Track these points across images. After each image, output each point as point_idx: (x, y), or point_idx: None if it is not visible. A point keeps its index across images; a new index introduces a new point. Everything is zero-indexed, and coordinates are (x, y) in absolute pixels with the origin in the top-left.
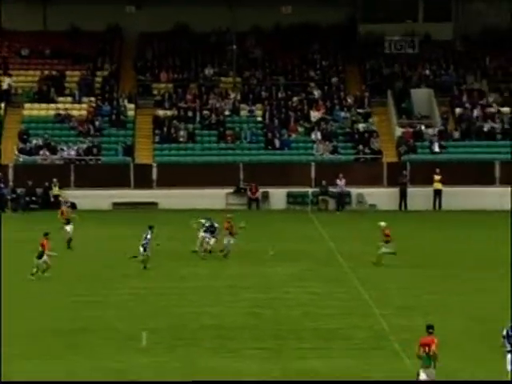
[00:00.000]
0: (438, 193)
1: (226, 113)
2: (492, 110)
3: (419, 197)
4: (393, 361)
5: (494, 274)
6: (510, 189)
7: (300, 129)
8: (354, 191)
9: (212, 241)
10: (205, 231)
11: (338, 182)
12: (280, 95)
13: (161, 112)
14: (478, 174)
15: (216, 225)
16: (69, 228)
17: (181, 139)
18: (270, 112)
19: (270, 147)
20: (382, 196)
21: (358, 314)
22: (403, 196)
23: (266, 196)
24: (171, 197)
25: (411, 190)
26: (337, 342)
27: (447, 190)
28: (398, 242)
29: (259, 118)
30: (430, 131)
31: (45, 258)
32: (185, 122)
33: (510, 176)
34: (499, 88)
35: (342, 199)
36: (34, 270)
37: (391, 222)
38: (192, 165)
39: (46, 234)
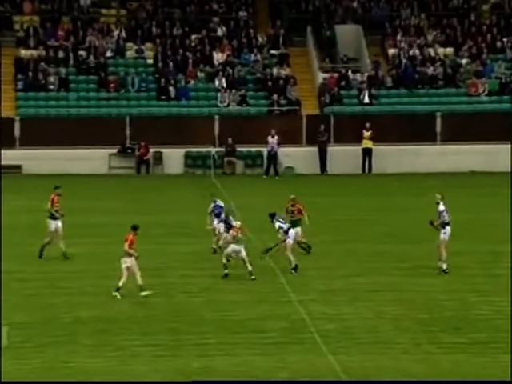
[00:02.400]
0: (367, 152)
1: (108, 54)
2: (432, 51)
3: (345, 157)
4: (313, 357)
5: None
6: (452, 147)
7: (200, 74)
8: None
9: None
10: (220, 221)
11: (270, 139)
12: (175, 32)
13: (24, 52)
14: (415, 130)
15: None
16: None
17: (51, 87)
18: (163, 53)
19: (163, 97)
20: (300, 156)
21: (272, 300)
22: (323, 157)
23: (158, 157)
24: (38, 159)
25: (335, 150)
26: (245, 336)
27: (378, 149)
28: (319, 213)
29: (150, 61)
30: (359, 77)
31: None
32: (55, 64)
33: (452, 131)
34: (440, 24)
35: (275, 161)
36: None
37: (310, 189)
38: (65, 119)
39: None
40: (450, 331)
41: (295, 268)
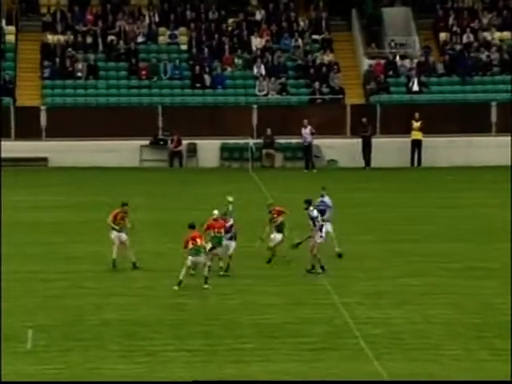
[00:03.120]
0: (416, 144)
1: (139, 39)
2: (487, 35)
3: (392, 150)
4: (358, 363)
5: (492, 246)
6: (508, 138)
7: (237, 61)
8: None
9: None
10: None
11: (303, 130)
12: (211, 16)
13: (51, 37)
14: (468, 120)
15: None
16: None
17: (78, 74)
18: (198, 39)
19: (197, 85)
20: (344, 149)
21: (312, 303)
22: (367, 151)
23: (192, 149)
24: (65, 151)
25: (382, 141)
26: (284, 341)
27: (428, 141)
28: (363, 210)
29: (183, 47)
30: (407, 64)
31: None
32: (84, 50)
33: (508, 121)
34: (496, 6)
35: (309, 153)
36: None
37: (354, 184)
38: (94, 108)
39: None
40: (504, 336)
41: (322, 267)
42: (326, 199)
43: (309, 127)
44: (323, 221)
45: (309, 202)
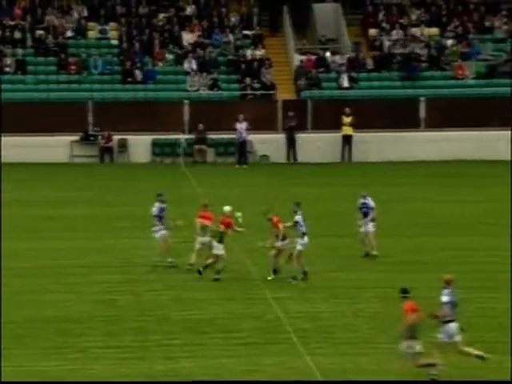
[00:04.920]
0: (347, 139)
1: (69, 34)
2: (416, 31)
3: (323, 145)
4: (289, 359)
5: (423, 240)
6: (437, 133)
7: (168, 56)
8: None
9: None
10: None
11: (238, 125)
12: (141, 11)
13: None
14: (397, 115)
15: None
16: None
17: (7, 69)
18: (129, 33)
19: (128, 80)
20: (275, 144)
21: (244, 298)
22: (291, 144)
23: (123, 145)
24: None
25: (313, 137)
26: (215, 336)
27: (359, 136)
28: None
29: (114, 42)
30: (338, 59)
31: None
32: (12, 45)
33: (437, 117)
34: (424, 2)
35: (243, 148)
36: None
37: (285, 179)
38: (22, 104)
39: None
40: (433, 329)
41: (304, 273)
42: (368, 201)
43: (244, 122)
44: (365, 221)
45: (298, 206)
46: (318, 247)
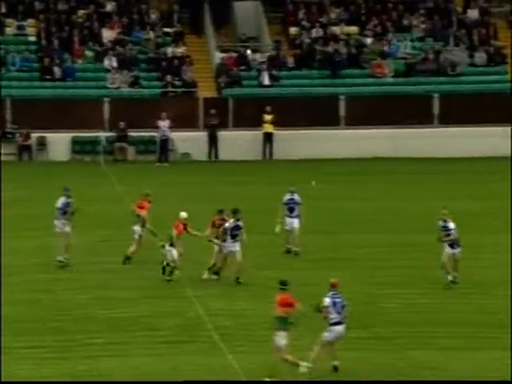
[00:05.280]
0: (268, 137)
1: None
2: (336, 29)
3: (244, 142)
4: (210, 356)
5: (345, 237)
6: (356, 131)
7: (88, 53)
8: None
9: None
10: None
11: (160, 122)
12: (60, 7)
13: None
14: (318, 113)
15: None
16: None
17: None
18: (47, 30)
19: (47, 77)
20: (197, 141)
21: (166, 296)
22: (213, 141)
23: (42, 143)
24: None
25: (234, 134)
26: (137, 335)
27: (280, 134)
28: (215, 203)
29: (32, 38)
30: (258, 57)
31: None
32: None
33: (357, 115)
34: (344, 1)
35: (165, 146)
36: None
37: (206, 177)
38: None
39: None
40: (355, 326)
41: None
42: (295, 197)
43: (167, 120)
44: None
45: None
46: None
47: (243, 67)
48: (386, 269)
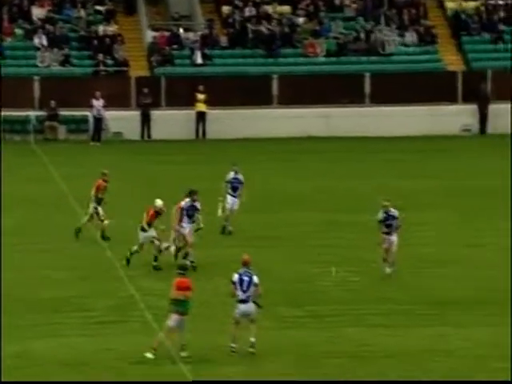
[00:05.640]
0: (201, 116)
1: None
2: (268, 8)
3: (177, 122)
4: (142, 336)
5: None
6: (289, 110)
7: (18, 31)
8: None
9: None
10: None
11: (95, 102)
12: None
13: None
14: (251, 92)
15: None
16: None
17: None
18: None
19: None
20: (129, 121)
21: (98, 277)
22: (145, 120)
23: None
24: None
25: (167, 114)
26: (69, 315)
27: (213, 113)
28: (149, 183)
29: None
30: (191, 36)
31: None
32: None
33: (289, 94)
34: None
35: (100, 125)
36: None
37: (138, 156)
38: None
39: None
40: (287, 304)
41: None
42: (239, 176)
43: (101, 100)
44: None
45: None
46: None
47: (175, 46)
48: (319, 247)
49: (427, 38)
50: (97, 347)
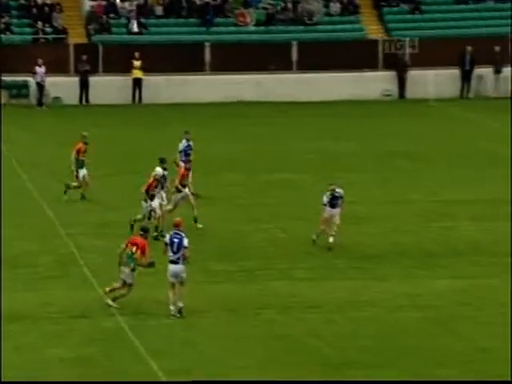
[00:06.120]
0: (137, 82)
1: None
2: None
3: (114, 88)
4: (82, 290)
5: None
6: (220, 76)
7: None
8: (35, 80)
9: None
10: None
11: (38, 68)
12: None
13: None
14: (184, 59)
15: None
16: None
17: None
18: None
19: None
20: (68, 86)
21: (40, 235)
22: (84, 86)
23: None
24: None
25: (104, 80)
26: (10, 272)
27: (149, 79)
28: (91, 146)
29: None
30: (127, 6)
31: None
32: None
33: (221, 61)
34: None
35: (43, 91)
36: None
37: (78, 120)
38: None
39: None
40: (217, 259)
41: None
42: (191, 143)
43: (43, 67)
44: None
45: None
46: (111, 184)
47: (112, 15)
48: (250, 206)
49: (350, 9)
50: (41, 301)
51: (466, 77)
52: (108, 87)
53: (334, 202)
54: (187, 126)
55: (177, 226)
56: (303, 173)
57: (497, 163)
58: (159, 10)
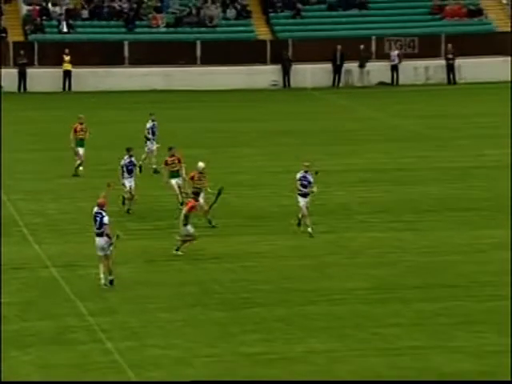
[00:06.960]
0: (67, 74)
1: None
2: None
3: (48, 78)
4: (22, 247)
5: None
6: (138, 69)
7: None
8: None
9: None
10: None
11: None
12: None
13: None
14: (107, 55)
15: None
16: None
17: None
18: None
19: None
20: (8, 77)
21: None
22: (22, 77)
23: None
24: None
25: (40, 71)
26: None
27: (77, 71)
28: (23, 127)
29: None
30: (58, 10)
31: None
32: None
33: (138, 56)
34: None
35: None
36: None
37: (17, 105)
38: None
39: None
40: (136, 220)
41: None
42: (156, 122)
43: None
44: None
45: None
46: (46, 158)
47: (46, 17)
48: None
49: (243, 14)
50: None
51: (337, 70)
52: (42, 78)
53: (304, 182)
54: (110, 111)
55: (99, 205)
56: (203, 148)
57: (362, 140)
58: (85, 14)
